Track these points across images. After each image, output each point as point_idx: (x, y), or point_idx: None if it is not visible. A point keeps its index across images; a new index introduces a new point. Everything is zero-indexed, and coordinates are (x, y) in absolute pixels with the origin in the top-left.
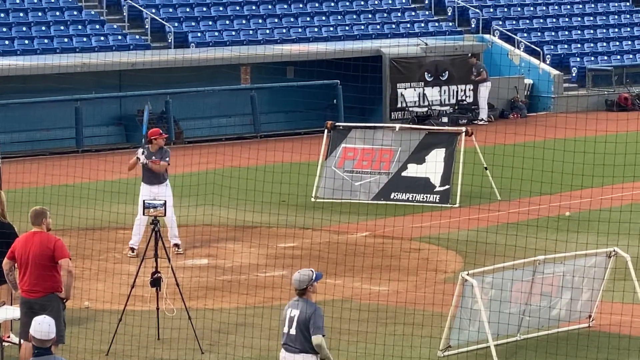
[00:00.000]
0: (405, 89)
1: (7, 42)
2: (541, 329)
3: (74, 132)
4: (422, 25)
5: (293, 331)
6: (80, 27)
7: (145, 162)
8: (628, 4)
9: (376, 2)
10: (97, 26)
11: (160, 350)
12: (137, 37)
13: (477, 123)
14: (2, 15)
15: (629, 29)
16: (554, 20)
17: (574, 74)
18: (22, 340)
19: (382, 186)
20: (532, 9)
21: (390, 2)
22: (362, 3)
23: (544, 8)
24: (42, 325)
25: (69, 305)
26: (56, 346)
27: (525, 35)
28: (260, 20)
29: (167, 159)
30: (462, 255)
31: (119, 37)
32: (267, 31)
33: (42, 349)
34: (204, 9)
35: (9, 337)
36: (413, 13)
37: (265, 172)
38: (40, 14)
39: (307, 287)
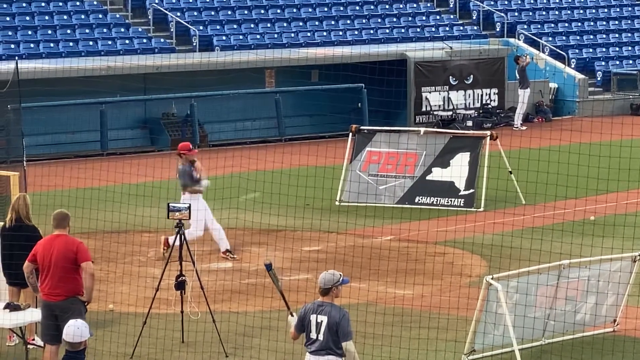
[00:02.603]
0: (429, 92)
1: (32, 45)
2: (566, 333)
3: (98, 135)
4: (447, 29)
5: (321, 337)
6: (105, 30)
7: (206, 185)
8: None
9: (401, 6)
10: (122, 29)
11: (184, 353)
12: (162, 40)
13: (521, 128)
14: (28, 18)
15: None
16: (579, 24)
17: (599, 78)
18: (44, 343)
19: (407, 190)
20: (557, 13)
21: (415, 6)
22: (387, 7)
23: (569, 12)
24: (70, 329)
25: (93, 308)
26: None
27: (550, 39)
28: (285, 24)
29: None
30: (486, 259)
31: (144, 41)
32: (292, 35)
33: (72, 352)
34: (229, 12)
35: (33, 339)
36: (438, 17)
37: (289, 176)
38: (65, 17)
39: (331, 288)
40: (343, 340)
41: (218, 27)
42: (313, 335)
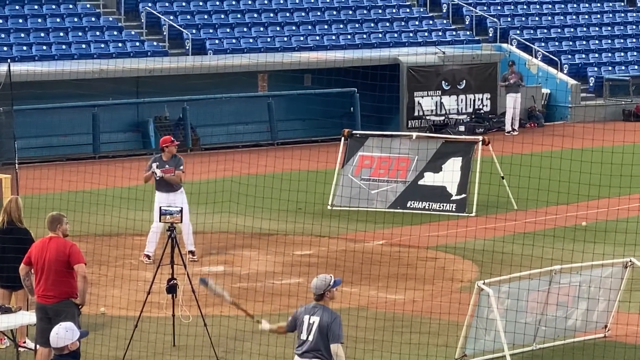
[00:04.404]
0: (422, 97)
1: (25, 47)
2: (557, 339)
3: (91, 138)
4: (440, 34)
5: (311, 337)
6: (98, 33)
7: (160, 175)
8: None
9: (394, 11)
10: (115, 32)
11: (175, 357)
12: (155, 43)
13: (512, 134)
14: (21, 21)
15: None
16: (572, 29)
17: (591, 84)
18: (37, 346)
19: (399, 195)
20: (550, 18)
21: (408, 10)
22: (380, 11)
23: (562, 18)
24: (53, 332)
25: (85, 311)
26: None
27: (543, 44)
28: (278, 28)
29: (182, 167)
30: (478, 264)
31: (137, 44)
32: (285, 39)
33: (59, 356)
34: (222, 16)
35: (24, 342)
36: (431, 22)
37: (281, 180)
38: (58, 20)
39: (324, 293)
40: (332, 342)
41: (211, 30)
42: (303, 336)
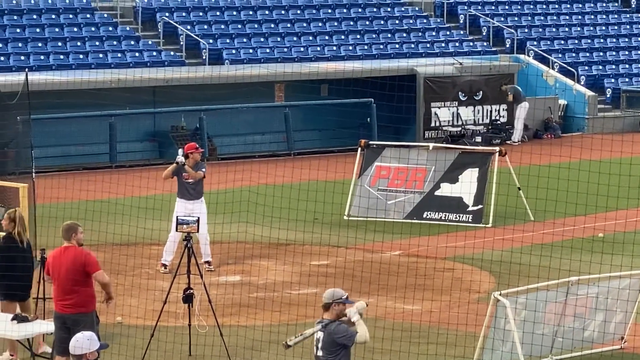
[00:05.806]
0: (439, 108)
1: (42, 57)
2: (573, 350)
3: (107, 148)
4: (457, 44)
5: (320, 352)
6: (115, 42)
7: (183, 161)
8: None
9: (411, 22)
10: (132, 42)
11: None
12: (172, 53)
13: (510, 144)
14: (38, 30)
15: None
16: (589, 41)
17: (608, 95)
18: (55, 355)
19: (415, 205)
20: (567, 29)
21: (424, 21)
22: (397, 22)
23: (579, 29)
24: (72, 341)
25: (101, 320)
26: None
27: (560, 55)
28: (294, 38)
29: (204, 169)
30: (494, 275)
31: (154, 53)
32: (302, 49)
33: None
34: (239, 26)
35: (42, 347)
36: (447, 32)
37: (298, 190)
38: (75, 29)
39: (332, 304)
40: (350, 344)
41: (228, 40)
42: (314, 350)
